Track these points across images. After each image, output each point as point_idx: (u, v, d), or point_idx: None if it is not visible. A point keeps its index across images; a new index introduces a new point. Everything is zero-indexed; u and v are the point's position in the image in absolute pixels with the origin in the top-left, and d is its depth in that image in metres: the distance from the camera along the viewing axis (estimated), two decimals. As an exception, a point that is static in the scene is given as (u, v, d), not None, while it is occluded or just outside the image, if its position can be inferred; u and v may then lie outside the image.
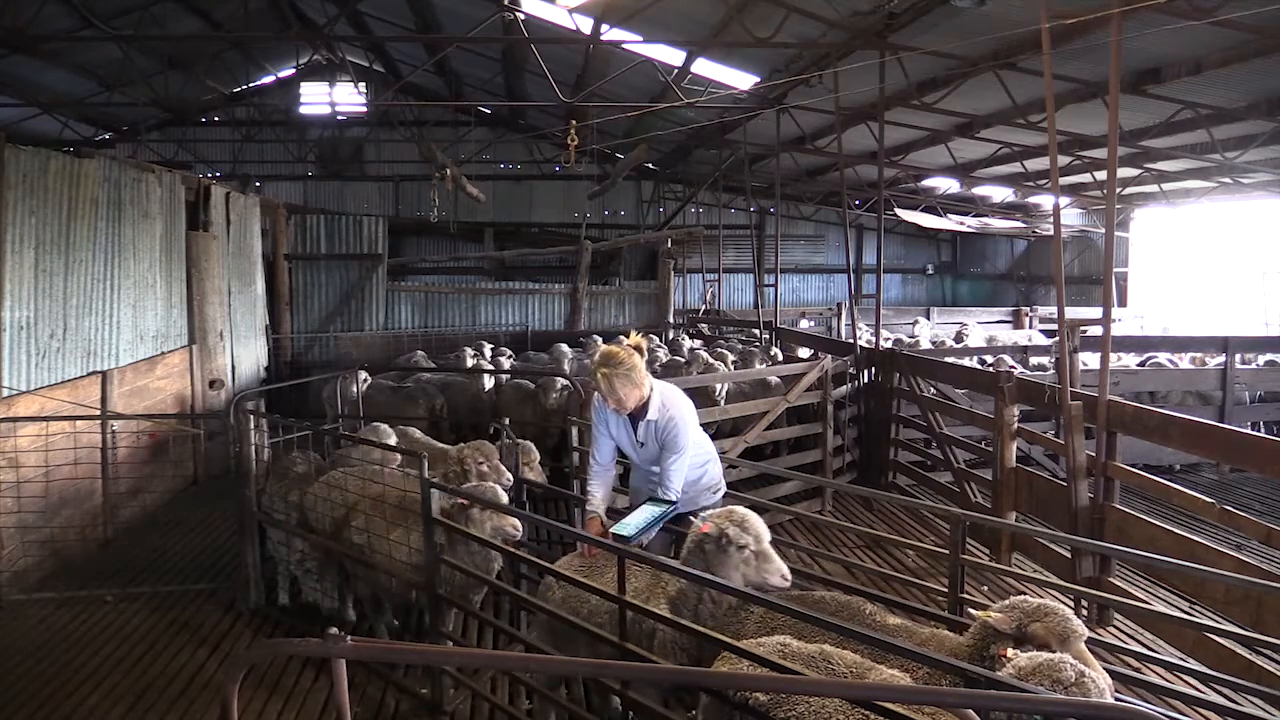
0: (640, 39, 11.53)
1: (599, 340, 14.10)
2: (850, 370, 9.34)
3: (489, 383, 10.07)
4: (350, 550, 5.25)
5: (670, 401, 4.36)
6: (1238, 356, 10.24)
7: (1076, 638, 2.89)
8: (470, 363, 11.48)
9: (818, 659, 2.99)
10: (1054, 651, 2.83)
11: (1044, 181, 15.97)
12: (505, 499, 5.01)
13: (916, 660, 2.89)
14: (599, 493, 4.52)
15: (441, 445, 6.92)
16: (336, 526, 5.40)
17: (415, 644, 5.26)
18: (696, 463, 4.51)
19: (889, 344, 11.07)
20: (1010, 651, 2.87)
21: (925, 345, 13.64)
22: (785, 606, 3.23)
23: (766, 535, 3.65)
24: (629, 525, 4.00)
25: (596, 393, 4.40)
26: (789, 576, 3.59)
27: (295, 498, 5.85)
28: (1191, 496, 5.14)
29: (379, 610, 5.72)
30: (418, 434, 7.44)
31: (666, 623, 3.51)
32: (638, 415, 4.33)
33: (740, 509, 3.71)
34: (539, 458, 6.57)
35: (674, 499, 4.22)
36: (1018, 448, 6.87)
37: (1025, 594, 3.20)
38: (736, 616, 3.62)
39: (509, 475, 5.61)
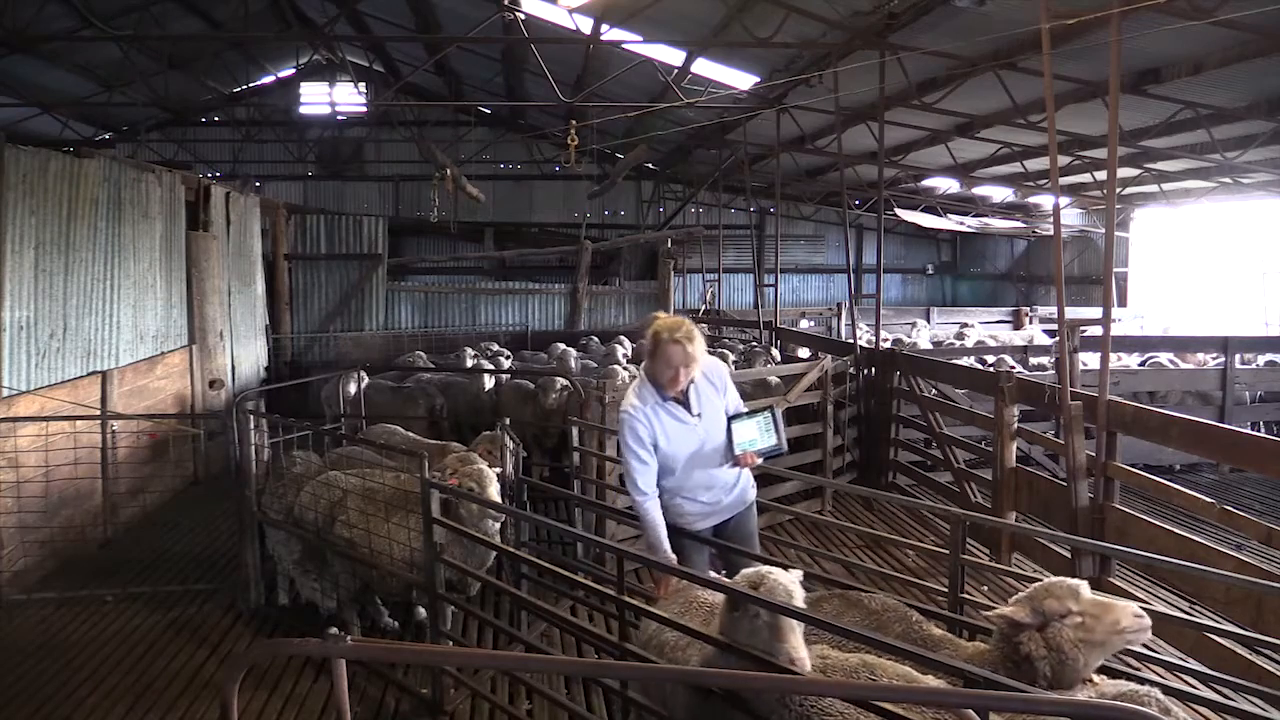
0: (640, 39, 11.53)
1: (596, 340, 14.11)
2: (850, 370, 9.34)
3: (489, 383, 10.05)
4: (350, 550, 5.26)
5: (707, 360, 4.15)
6: (1237, 356, 10.23)
7: (1082, 587, 3.00)
8: (470, 363, 11.48)
9: (860, 670, 2.96)
10: (1074, 611, 2.92)
11: (1044, 181, 15.97)
12: (494, 479, 5.02)
13: (929, 665, 2.86)
14: (661, 523, 3.98)
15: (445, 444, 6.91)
16: (331, 522, 5.41)
17: (415, 644, 5.27)
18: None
19: (889, 344, 11.07)
20: (1098, 679, 2.92)
21: (924, 348, 13.64)
22: (794, 611, 3.18)
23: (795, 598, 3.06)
24: (754, 443, 3.93)
25: (629, 401, 3.99)
26: (802, 661, 2.92)
27: (294, 497, 5.85)
28: (1191, 496, 5.14)
29: (375, 607, 5.73)
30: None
31: (677, 628, 3.46)
32: (684, 389, 4.00)
33: (770, 570, 3.18)
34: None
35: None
36: (1018, 448, 6.87)
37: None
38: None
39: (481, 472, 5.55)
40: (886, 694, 2.62)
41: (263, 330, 13.19)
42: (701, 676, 2.90)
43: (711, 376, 4.10)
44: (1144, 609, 4.63)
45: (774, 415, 4.05)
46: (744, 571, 3.22)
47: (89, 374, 7.77)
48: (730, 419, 4.01)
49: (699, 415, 4.02)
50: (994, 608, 3.17)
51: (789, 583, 3.07)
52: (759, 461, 4.05)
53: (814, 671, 2.93)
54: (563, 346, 12.80)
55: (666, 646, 3.58)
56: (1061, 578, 3.09)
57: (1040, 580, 3.14)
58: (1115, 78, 5.56)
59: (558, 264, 20.78)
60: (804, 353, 11.66)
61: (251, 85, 21.21)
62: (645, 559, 4.21)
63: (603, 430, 6.77)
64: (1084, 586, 3.02)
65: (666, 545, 3.97)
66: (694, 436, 4.01)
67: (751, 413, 4.07)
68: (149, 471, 8.58)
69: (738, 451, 3.95)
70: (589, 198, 20.08)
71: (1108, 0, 5.61)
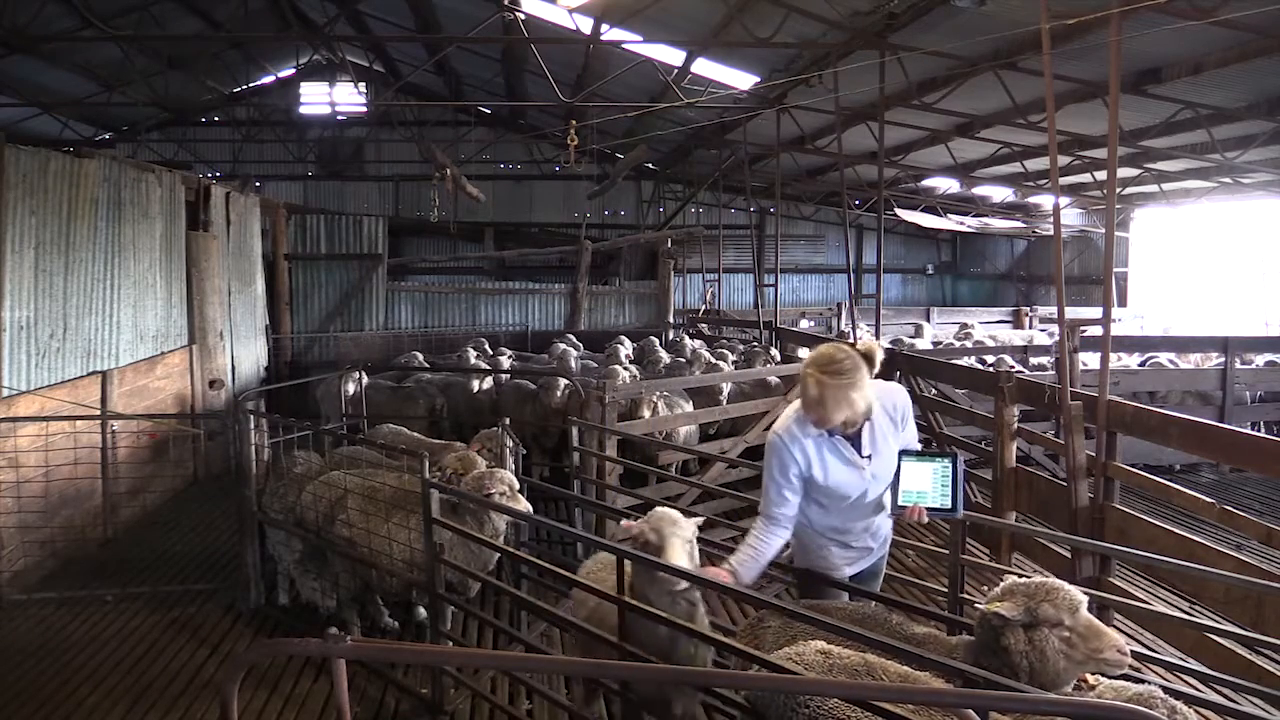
0: (640, 39, 11.53)
1: (572, 338, 14.08)
2: (850, 370, 9.30)
3: (476, 385, 10.02)
4: (350, 550, 5.26)
5: (885, 390, 3.53)
6: (1237, 356, 10.23)
7: (1082, 604, 2.95)
8: (473, 362, 11.46)
9: (861, 670, 2.96)
10: (1065, 625, 2.88)
11: (1044, 181, 15.98)
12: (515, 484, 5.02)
13: (914, 660, 2.88)
14: (764, 552, 3.46)
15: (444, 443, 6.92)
16: (331, 521, 5.41)
17: (415, 644, 5.27)
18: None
19: (889, 344, 11.05)
20: (1092, 679, 2.88)
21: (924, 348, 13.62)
22: (800, 613, 3.18)
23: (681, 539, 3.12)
24: (924, 495, 3.30)
25: (786, 424, 3.45)
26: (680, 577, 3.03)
27: (296, 497, 5.85)
28: (1191, 496, 5.13)
29: (375, 607, 5.73)
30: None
31: (669, 624, 3.46)
32: (857, 427, 3.42)
33: (665, 510, 3.24)
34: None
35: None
36: (1018, 448, 6.86)
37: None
38: (752, 630, 3.52)
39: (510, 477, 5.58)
40: (886, 694, 2.62)
41: (263, 330, 13.19)
42: (705, 677, 2.90)
43: (891, 410, 3.49)
44: (1144, 608, 4.67)
45: (955, 468, 3.34)
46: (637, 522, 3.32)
47: (89, 374, 7.77)
48: (901, 454, 3.42)
49: (869, 457, 3.43)
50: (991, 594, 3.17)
51: (674, 514, 3.25)
52: (925, 520, 3.40)
53: (818, 669, 2.93)
54: (563, 346, 12.80)
55: (593, 620, 3.75)
56: (1065, 585, 3.01)
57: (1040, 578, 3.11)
58: (1115, 78, 5.56)
59: (558, 264, 20.81)
60: (804, 353, 11.63)
61: (251, 85, 21.22)
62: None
63: (603, 430, 6.77)
64: (1084, 604, 2.96)
65: (749, 577, 3.45)
66: (860, 479, 3.46)
67: (927, 454, 3.43)
68: (149, 471, 8.58)
69: (904, 502, 3.35)
70: (589, 198, 20.08)
71: (1108, 0, 5.61)
